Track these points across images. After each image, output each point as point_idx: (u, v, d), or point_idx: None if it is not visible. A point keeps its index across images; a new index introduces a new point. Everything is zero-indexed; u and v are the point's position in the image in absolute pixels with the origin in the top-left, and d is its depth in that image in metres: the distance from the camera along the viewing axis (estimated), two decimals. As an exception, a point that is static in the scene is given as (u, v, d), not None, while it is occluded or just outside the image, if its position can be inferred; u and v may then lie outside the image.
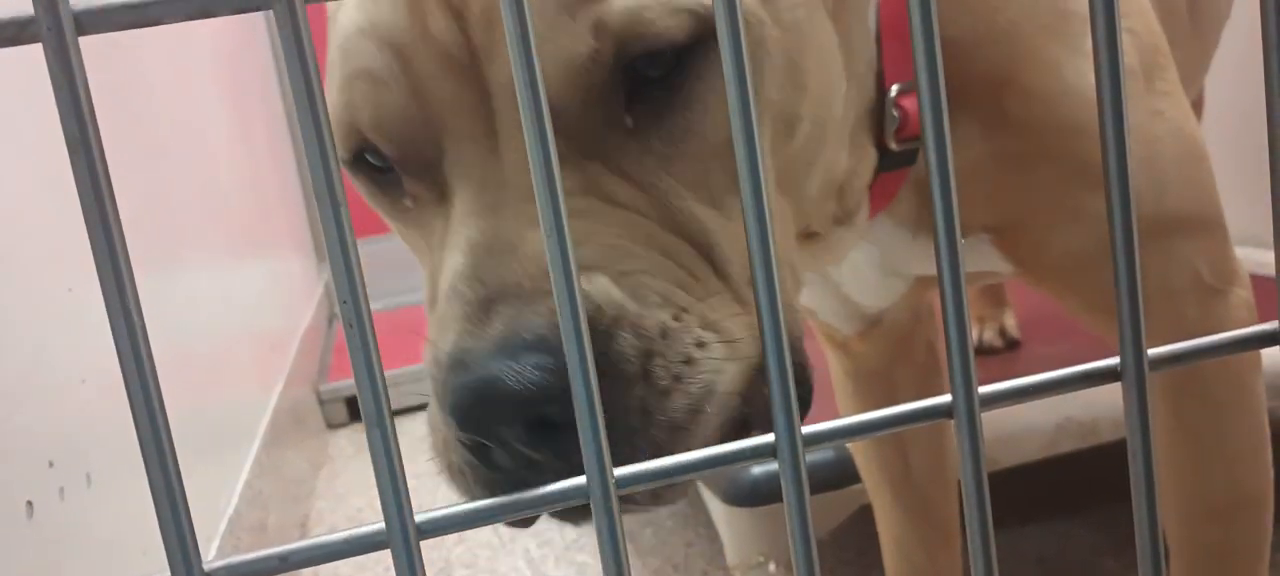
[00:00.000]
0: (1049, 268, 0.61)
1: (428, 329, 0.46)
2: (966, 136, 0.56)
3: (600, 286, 0.39)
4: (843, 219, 0.57)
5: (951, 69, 0.55)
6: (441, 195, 0.45)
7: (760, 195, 0.27)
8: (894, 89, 0.54)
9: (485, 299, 0.39)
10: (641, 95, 0.43)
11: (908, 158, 0.56)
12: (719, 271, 0.43)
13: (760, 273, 0.28)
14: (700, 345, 0.40)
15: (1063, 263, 0.60)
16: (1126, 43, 0.58)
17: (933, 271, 0.63)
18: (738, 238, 0.44)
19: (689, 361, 0.40)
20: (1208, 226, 0.60)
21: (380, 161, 0.47)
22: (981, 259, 0.63)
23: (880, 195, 0.58)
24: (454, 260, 0.41)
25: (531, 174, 0.26)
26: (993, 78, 0.56)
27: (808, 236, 0.56)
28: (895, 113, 0.54)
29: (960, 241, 0.29)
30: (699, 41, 0.42)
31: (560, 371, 0.35)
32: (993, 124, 0.56)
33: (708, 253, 0.43)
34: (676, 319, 0.40)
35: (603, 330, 0.38)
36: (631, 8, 0.40)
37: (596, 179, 0.42)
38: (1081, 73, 0.55)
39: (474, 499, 0.39)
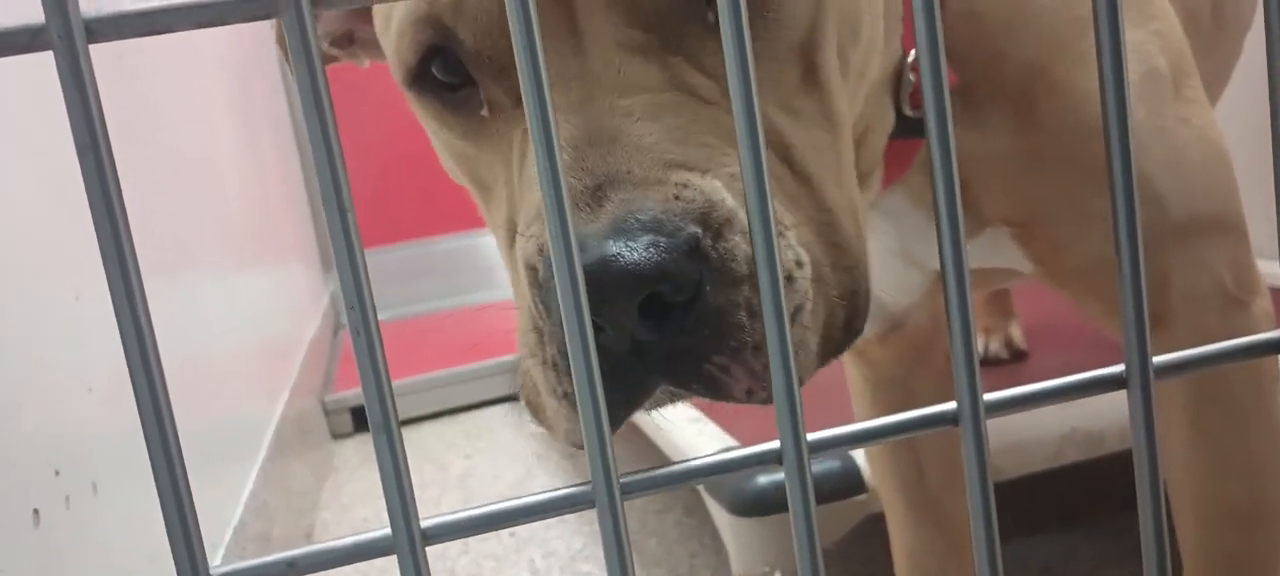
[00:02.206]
0: (1070, 270, 0.61)
1: (502, 244, 0.45)
2: (996, 127, 0.56)
3: (713, 187, 0.39)
4: (859, 178, 0.57)
5: (983, 48, 0.55)
6: (516, 98, 0.45)
7: (762, 187, 0.27)
8: (912, 54, 0.54)
9: (593, 187, 0.39)
10: None
11: (920, 127, 0.56)
12: (798, 175, 0.44)
13: (766, 276, 0.28)
14: (798, 264, 0.41)
15: (1084, 266, 0.59)
16: (1154, 44, 0.58)
17: None
18: (811, 143, 0.44)
19: (789, 278, 0.40)
20: (1232, 233, 0.60)
21: (449, 77, 0.46)
22: (1001, 253, 0.62)
23: (894, 163, 0.58)
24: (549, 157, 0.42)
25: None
26: (1024, 63, 0.55)
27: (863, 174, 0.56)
28: (912, 77, 0.54)
29: (965, 253, 0.29)
30: None
31: (675, 253, 0.36)
32: (1023, 118, 0.56)
33: (786, 156, 0.44)
34: (780, 235, 0.41)
35: (716, 228, 0.39)
36: None
37: (681, 73, 0.43)
38: None
39: (566, 395, 0.40)
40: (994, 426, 0.30)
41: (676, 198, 0.38)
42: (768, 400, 0.41)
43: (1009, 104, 0.55)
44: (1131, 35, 0.57)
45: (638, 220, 0.37)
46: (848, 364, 0.84)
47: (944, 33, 0.54)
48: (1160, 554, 0.31)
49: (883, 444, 0.84)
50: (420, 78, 0.47)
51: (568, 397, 0.41)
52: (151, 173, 1.20)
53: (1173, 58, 0.59)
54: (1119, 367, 0.30)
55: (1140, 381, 0.30)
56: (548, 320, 0.40)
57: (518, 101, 0.45)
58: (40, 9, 0.23)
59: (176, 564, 0.26)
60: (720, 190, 0.39)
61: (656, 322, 0.37)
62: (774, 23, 0.43)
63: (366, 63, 0.65)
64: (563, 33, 0.42)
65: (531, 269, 0.41)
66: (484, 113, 0.47)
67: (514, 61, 0.43)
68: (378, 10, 0.50)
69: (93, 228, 0.24)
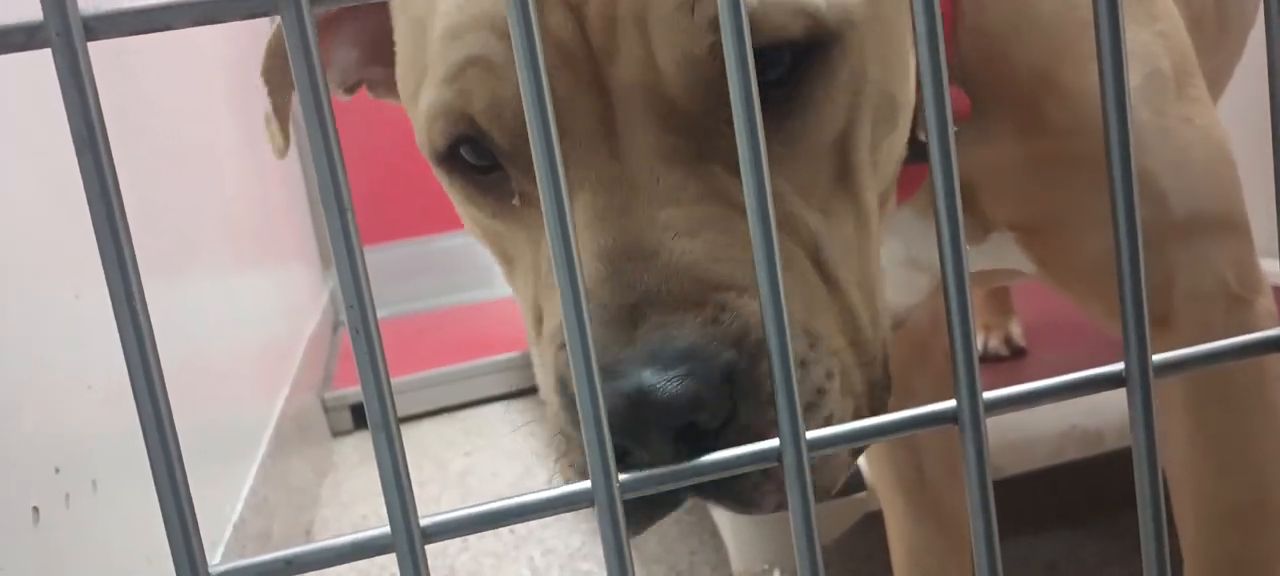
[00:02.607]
0: (1075, 271, 0.61)
1: (531, 335, 0.46)
2: (1002, 133, 0.56)
3: (751, 308, 0.39)
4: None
5: (991, 57, 0.56)
6: None
7: (764, 194, 0.27)
8: None
9: (630, 306, 0.39)
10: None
11: None
12: (828, 279, 0.44)
13: (765, 277, 0.28)
14: (829, 376, 0.41)
15: (1090, 267, 0.60)
16: (1159, 45, 0.58)
17: None
18: (843, 241, 0.45)
19: (820, 392, 0.40)
20: (1235, 232, 0.60)
21: (477, 159, 0.46)
22: (1006, 256, 0.63)
23: (905, 186, 0.58)
24: (588, 266, 0.41)
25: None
26: (1031, 70, 0.55)
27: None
28: None
29: (964, 246, 0.29)
30: (816, 44, 0.42)
31: (710, 383, 0.37)
32: (1029, 124, 0.56)
33: (817, 258, 0.44)
34: (811, 347, 0.41)
35: (750, 352, 0.39)
36: (751, 3, 0.40)
37: (719, 182, 0.42)
38: None
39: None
40: (994, 424, 0.30)
41: (714, 320, 0.38)
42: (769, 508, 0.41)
43: (1015, 110, 0.56)
44: (1136, 36, 0.58)
45: (675, 349, 0.37)
46: None
47: (954, 49, 0.55)
48: (1160, 552, 0.31)
49: (882, 442, 0.84)
50: (449, 159, 0.47)
51: None
52: (150, 170, 1.20)
53: (1176, 58, 0.59)
54: (1118, 366, 0.30)
55: (1140, 380, 0.30)
56: (576, 433, 0.40)
57: None
58: (38, 6, 0.23)
59: (175, 562, 0.26)
60: (758, 312, 0.39)
61: (689, 447, 0.37)
62: (810, 126, 0.43)
63: (347, 96, 0.66)
64: (600, 136, 0.42)
65: (562, 381, 0.41)
66: (515, 202, 0.47)
67: None
68: (402, 80, 0.50)
69: (92, 226, 0.24)
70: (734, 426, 0.38)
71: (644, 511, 0.40)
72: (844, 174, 0.45)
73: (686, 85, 0.41)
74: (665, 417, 0.36)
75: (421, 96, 0.46)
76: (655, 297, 0.39)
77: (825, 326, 0.42)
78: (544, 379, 0.44)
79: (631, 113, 0.42)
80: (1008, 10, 0.55)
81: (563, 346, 0.41)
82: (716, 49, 0.41)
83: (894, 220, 0.61)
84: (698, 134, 0.42)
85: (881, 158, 0.48)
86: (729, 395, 0.37)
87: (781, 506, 0.40)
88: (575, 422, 0.40)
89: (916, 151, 0.56)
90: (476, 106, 0.44)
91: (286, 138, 0.68)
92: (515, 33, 0.25)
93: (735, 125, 0.27)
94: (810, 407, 0.40)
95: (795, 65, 0.42)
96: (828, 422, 0.41)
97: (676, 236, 0.40)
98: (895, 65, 0.47)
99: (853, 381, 0.43)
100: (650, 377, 0.37)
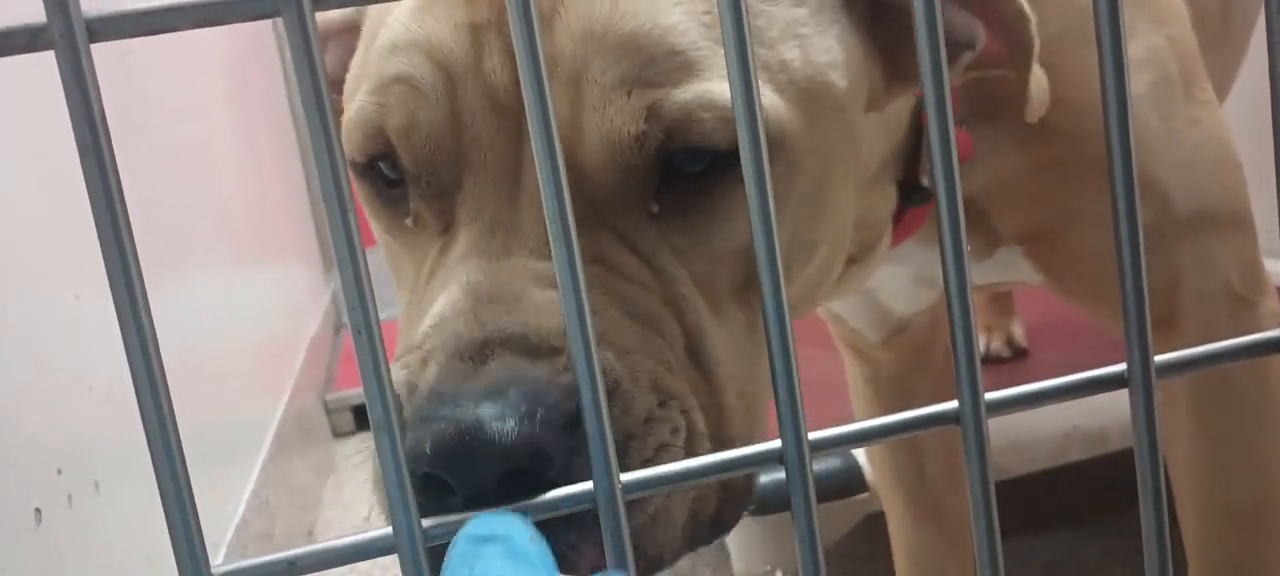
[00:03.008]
0: (1081, 278, 0.61)
1: (398, 347, 0.45)
2: (1004, 146, 0.56)
3: (605, 360, 0.39)
4: (858, 256, 0.57)
5: (989, 83, 0.56)
6: (446, 226, 0.45)
7: (764, 191, 0.27)
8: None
9: (481, 342, 0.38)
10: (671, 185, 0.43)
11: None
12: (703, 370, 0.43)
13: (768, 284, 0.28)
14: (674, 431, 0.40)
15: (1095, 273, 0.60)
16: (1166, 49, 0.58)
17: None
18: (729, 343, 0.44)
19: (662, 448, 0.40)
20: (1241, 232, 0.60)
21: (392, 173, 0.46)
22: (1013, 269, 0.63)
23: (907, 227, 0.58)
24: (451, 296, 0.41)
25: (547, 222, 0.26)
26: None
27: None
28: None
29: (965, 248, 0.29)
30: (737, 154, 0.42)
31: (551, 436, 0.35)
32: (1030, 135, 0.56)
33: (697, 347, 0.43)
34: (662, 404, 0.40)
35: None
36: (688, 104, 0.41)
37: (608, 249, 0.43)
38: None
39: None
40: (996, 425, 0.30)
41: (566, 368, 0.37)
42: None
43: (1017, 127, 0.56)
44: (1145, 42, 0.58)
45: (518, 390, 0.36)
46: (848, 363, 0.84)
47: (963, 86, 0.54)
48: (1162, 552, 0.31)
49: (883, 443, 0.84)
50: (365, 167, 0.47)
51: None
52: (152, 171, 1.20)
53: (1185, 62, 0.59)
54: (1121, 366, 0.30)
55: (1142, 380, 0.30)
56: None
57: (443, 226, 0.44)
58: (41, 9, 0.23)
59: (178, 562, 0.26)
60: (611, 364, 0.39)
61: (510, 494, 0.34)
62: (716, 230, 0.44)
63: None
64: (505, 182, 0.42)
65: (397, 397, 0.39)
66: (408, 221, 0.47)
67: (446, 192, 0.43)
68: (347, 87, 0.50)
69: (93, 227, 0.24)
70: (568, 480, 0.35)
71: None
72: (745, 286, 0.45)
73: (602, 160, 0.42)
74: (496, 458, 0.34)
75: (351, 104, 0.47)
76: (509, 340, 0.38)
77: (679, 387, 0.42)
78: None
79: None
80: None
81: (405, 366, 0.40)
82: (643, 139, 0.41)
83: (899, 252, 0.61)
84: (600, 206, 0.42)
85: (794, 284, 0.48)
86: (570, 448, 0.35)
87: (598, 569, 0.38)
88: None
89: (918, 195, 0.56)
90: (392, 123, 0.44)
91: None
92: (517, 37, 0.25)
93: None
94: (648, 464, 0.38)
95: (715, 165, 0.42)
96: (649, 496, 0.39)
97: (545, 287, 0.40)
98: (821, 204, 0.46)
99: (701, 440, 0.42)
100: (488, 412, 0.35)
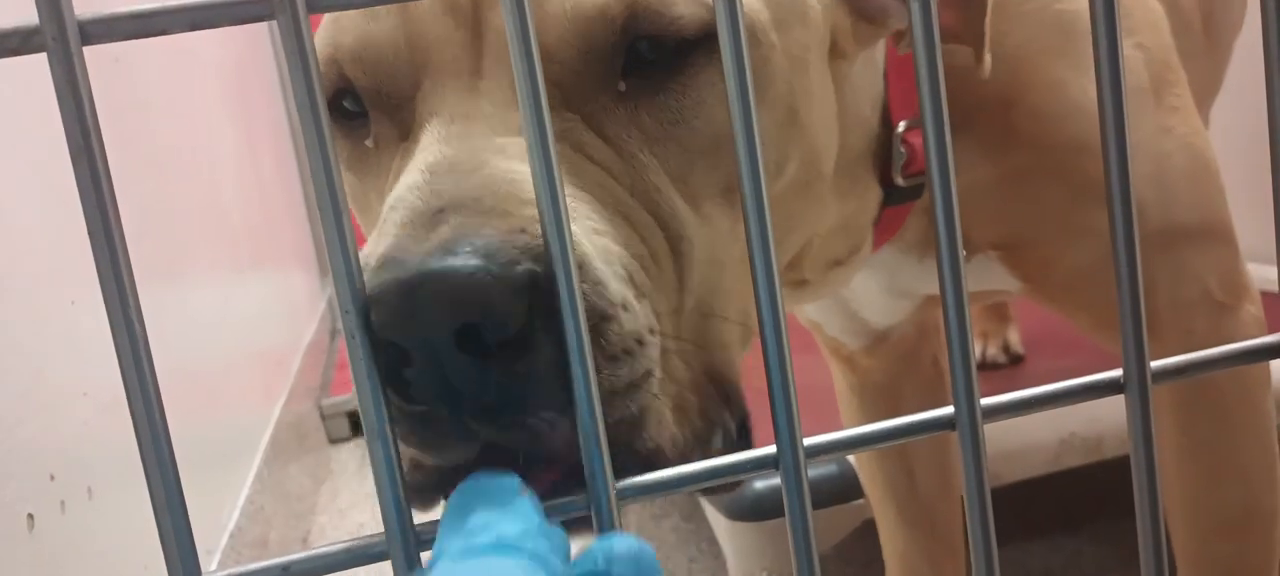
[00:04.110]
0: (1057, 284, 0.61)
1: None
2: (973, 157, 0.56)
3: (573, 232, 0.35)
4: (844, 259, 0.57)
5: (957, 92, 0.56)
6: (404, 134, 0.43)
7: (760, 195, 0.27)
8: (902, 126, 0.54)
9: (436, 209, 0.35)
10: (638, 70, 0.42)
11: (914, 192, 0.56)
12: (680, 266, 0.42)
13: (762, 277, 0.28)
14: (651, 332, 0.38)
15: (1071, 279, 0.60)
16: (1136, 59, 0.58)
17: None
18: (709, 241, 0.43)
19: (640, 342, 0.37)
20: (1217, 240, 0.60)
21: (355, 107, 0.45)
22: (990, 277, 0.63)
23: (886, 228, 0.58)
24: (408, 176, 0.38)
25: (522, 124, 0.26)
26: (998, 99, 0.56)
27: (798, 283, 0.56)
28: (903, 149, 0.54)
29: (961, 255, 0.29)
30: (707, 37, 0.42)
31: (504, 288, 0.31)
32: (997, 143, 0.56)
33: (676, 243, 0.42)
34: (637, 299, 0.38)
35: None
36: None
37: (574, 130, 0.41)
38: (1087, 91, 0.55)
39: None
40: (992, 431, 0.30)
41: (522, 230, 0.34)
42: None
43: (985, 137, 0.56)
44: None
45: (470, 244, 0.32)
46: (834, 370, 0.84)
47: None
48: (1157, 558, 0.31)
49: (873, 452, 0.84)
50: (332, 109, 0.46)
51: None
52: (149, 176, 1.20)
53: (1156, 69, 0.59)
54: (1116, 372, 0.30)
55: (1138, 386, 0.30)
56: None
57: (403, 136, 0.43)
58: (34, 10, 0.23)
59: (170, 569, 0.26)
60: (578, 237, 0.36)
61: (472, 367, 0.32)
62: (687, 111, 0.42)
63: None
64: (465, 75, 0.41)
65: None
66: (369, 142, 0.45)
67: (405, 102, 0.43)
68: (318, 37, 0.49)
69: (87, 233, 0.24)
70: (530, 352, 0.32)
71: (436, 472, 0.35)
72: (725, 188, 0.43)
73: (564, 34, 0.41)
74: (445, 309, 0.31)
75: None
76: (463, 204, 0.35)
77: (660, 300, 0.40)
78: None
79: (500, 53, 0.41)
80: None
81: (366, 261, 0.35)
82: (606, 11, 0.40)
83: (876, 259, 0.61)
84: (567, 86, 0.41)
85: (784, 198, 0.46)
86: (523, 309, 0.32)
87: (552, 491, 0.33)
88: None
89: (894, 195, 0.56)
90: (345, 44, 0.43)
91: None
92: (510, 25, 0.25)
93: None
94: (627, 354, 0.36)
95: (680, 54, 0.42)
96: (646, 378, 0.36)
97: (507, 158, 0.37)
98: (790, 120, 0.45)
99: (682, 377, 0.40)
100: (435, 264, 0.31)
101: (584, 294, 0.33)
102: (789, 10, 0.45)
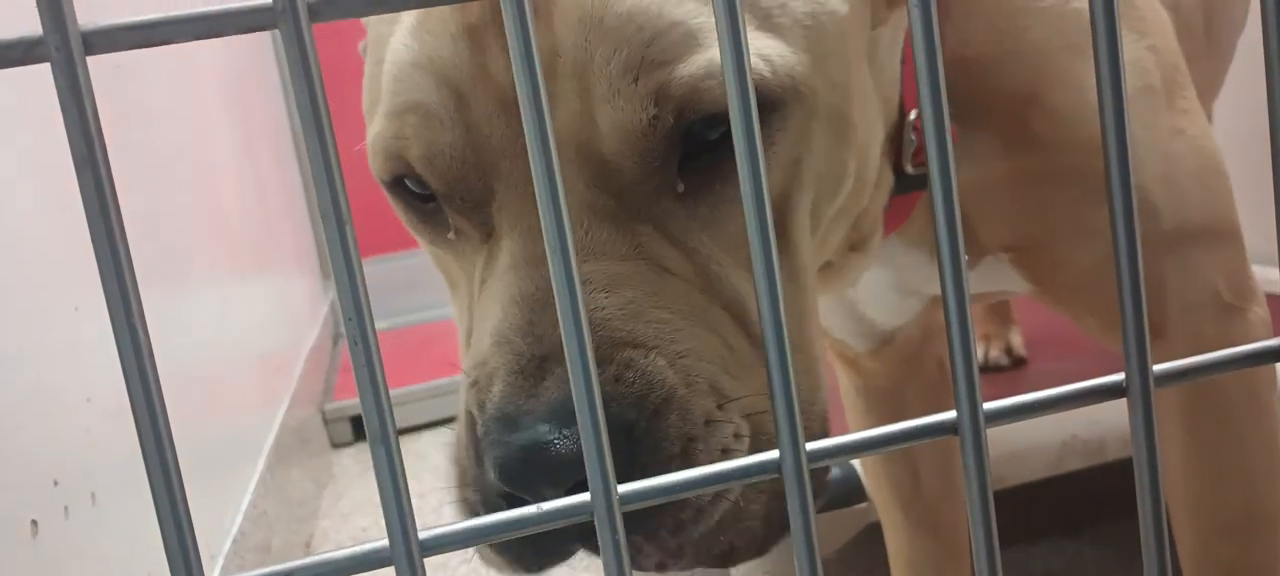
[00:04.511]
0: (1068, 287, 0.61)
1: (463, 360, 0.46)
2: (987, 153, 0.56)
3: (657, 367, 0.40)
4: (858, 244, 0.57)
5: (974, 86, 0.56)
6: (488, 234, 0.45)
7: (767, 231, 0.27)
8: (913, 113, 0.54)
9: (539, 357, 0.40)
10: (694, 161, 0.43)
11: (923, 181, 0.56)
12: (753, 339, 0.44)
13: (763, 278, 0.28)
14: (737, 437, 0.41)
15: (1082, 281, 0.60)
16: (1149, 59, 0.58)
17: None
18: None
19: (725, 451, 0.40)
20: (1227, 241, 0.60)
21: (421, 189, 0.47)
22: (1000, 279, 0.63)
23: (894, 217, 0.58)
24: (506, 310, 0.42)
25: (542, 224, 0.26)
26: (1016, 95, 0.56)
27: (822, 267, 0.56)
28: (913, 137, 0.54)
29: (964, 258, 0.29)
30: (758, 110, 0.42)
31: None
32: (1015, 141, 0.56)
33: (743, 319, 0.44)
34: (720, 407, 0.41)
35: (652, 409, 0.39)
36: (694, 77, 0.41)
37: (646, 242, 0.43)
38: None
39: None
40: (994, 434, 0.30)
41: (616, 379, 0.39)
42: (679, 566, 0.42)
43: (1001, 133, 0.56)
44: (1127, 51, 0.58)
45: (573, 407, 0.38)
46: (839, 374, 0.84)
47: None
48: (1161, 562, 0.31)
49: (878, 455, 0.84)
50: (393, 186, 0.48)
51: (489, 544, 0.42)
52: (151, 183, 1.20)
53: (1167, 71, 0.59)
54: (1119, 376, 0.30)
55: (1140, 390, 0.30)
56: (475, 470, 0.41)
57: (486, 236, 0.45)
58: (37, 21, 0.23)
59: (173, 575, 0.26)
60: (663, 370, 0.40)
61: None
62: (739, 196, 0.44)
63: None
64: (531, 183, 0.42)
65: (470, 414, 0.41)
66: (451, 236, 0.47)
67: (481, 204, 0.44)
68: (364, 98, 0.50)
69: (90, 240, 0.24)
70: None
71: (530, 563, 0.42)
72: (780, 240, 0.45)
73: (621, 149, 0.42)
74: (557, 474, 0.37)
75: (371, 126, 0.47)
76: (562, 354, 0.39)
77: (740, 388, 0.42)
78: (459, 407, 0.45)
79: (564, 166, 0.42)
80: (991, 42, 0.55)
81: (474, 383, 0.41)
82: (656, 121, 0.41)
83: (884, 250, 0.61)
84: (629, 196, 0.43)
85: (824, 223, 0.48)
86: (626, 455, 0.38)
87: (664, 566, 0.41)
88: (476, 459, 0.40)
89: (907, 182, 0.56)
90: (414, 153, 0.44)
91: None
92: (513, 45, 0.25)
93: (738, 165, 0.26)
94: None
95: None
96: (725, 490, 0.40)
97: (594, 291, 0.41)
98: (844, 133, 0.46)
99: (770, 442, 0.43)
100: (547, 435, 0.37)
101: (670, 426, 0.39)
102: (826, 34, 0.45)
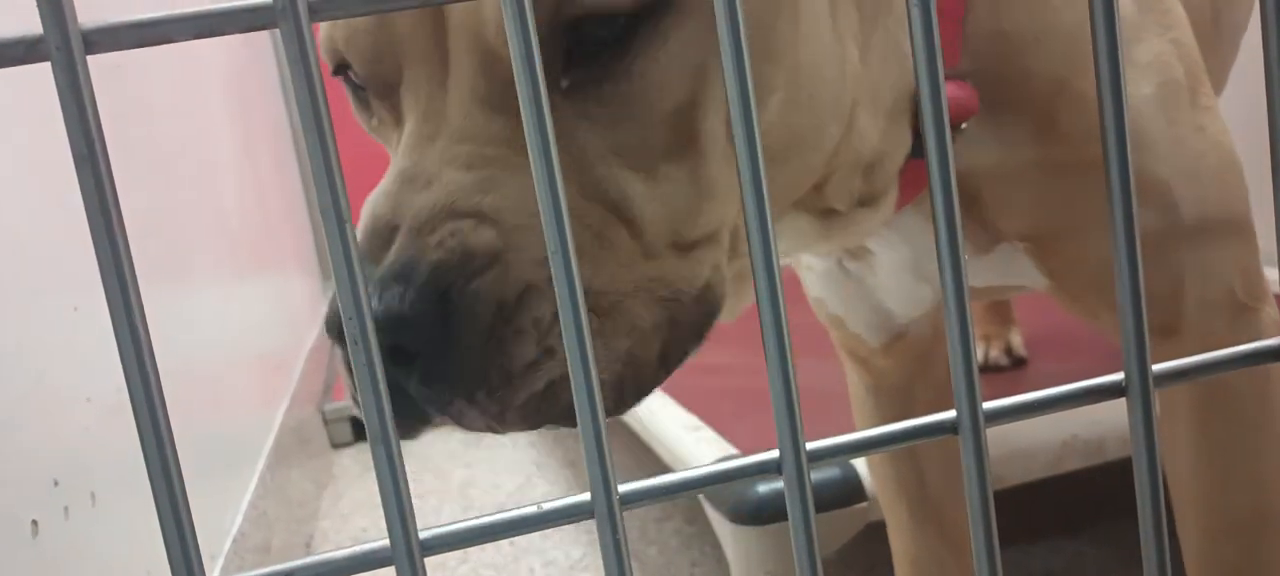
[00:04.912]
0: (1085, 283, 0.61)
1: None
2: (1015, 139, 0.56)
3: (483, 237, 0.41)
4: (868, 200, 0.56)
5: (1008, 68, 0.56)
6: (397, 120, 0.47)
7: (761, 191, 0.27)
8: None
9: (388, 227, 0.41)
10: (582, 58, 0.43)
11: None
12: (637, 237, 0.44)
13: (763, 279, 0.28)
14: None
15: (1100, 277, 0.59)
16: (1173, 54, 0.58)
17: (973, 280, 0.63)
18: (664, 200, 0.45)
19: (540, 324, 0.41)
20: (1243, 240, 0.60)
21: (358, 78, 0.49)
22: (1015, 269, 0.62)
23: (910, 184, 0.58)
24: (383, 184, 0.44)
25: (526, 133, 0.26)
26: (1050, 80, 0.55)
27: (825, 212, 0.55)
28: None
29: (963, 256, 0.29)
30: (648, 11, 0.42)
31: (415, 302, 0.39)
32: (1043, 130, 0.56)
33: (625, 215, 0.44)
34: (548, 281, 0.41)
35: (469, 274, 0.40)
36: None
37: (518, 131, 0.42)
38: (1135, 82, 0.56)
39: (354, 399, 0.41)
40: (994, 434, 0.30)
41: (438, 245, 0.40)
42: (506, 429, 0.43)
43: (1031, 118, 0.56)
44: (1151, 45, 0.58)
45: (391, 271, 0.40)
46: (848, 371, 0.84)
47: (972, 52, 0.55)
48: (1161, 562, 0.31)
49: (884, 453, 0.84)
50: (344, 79, 0.50)
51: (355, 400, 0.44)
52: (151, 182, 1.20)
53: (1189, 66, 0.59)
54: (1119, 376, 0.30)
55: (1140, 389, 0.30)
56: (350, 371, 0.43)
57: (397, 121, 0.47)
58: (37, 19, 0.23)
59: (174, 575, 0.26)
60: (490, 240, 0.41)
61: (407, 367, 0.40)
62: (636, 92, 0.43)
63: None
64: (437, 73, 0.44)
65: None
66: (375, 122, 0.50)
67: (393, 88, 0.45)
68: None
69: (91, 239, 0.24)
70: (451, 348, 0.39)
71: (404, 428, 0.42)
72: (687, 143, 0.45)
73: (501, 42, 0.42)
74: (382, 333, 0.38)
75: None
76: (409, 221, 0.41)
77: (600, 267, 0.43)
78: None
79: (459, 55, 0.43)
80: (1027, 18, 0.55)
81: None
82: (537, 10, 0.42)
83: (899, 224, 0.60)
84: (508, 86, 0.43)
85: (771, 137, 0.47)
86: (440, 318, 0.39)
87: (494, 428, 0.42)
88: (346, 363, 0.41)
89: (917, 148, 0.56)
90: (338, 34, 0.47)
91: None
92: (514, 44, 0.25)
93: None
94: (521, 335, 0.41)
95: (629, 29, 0.43)
96: (546, 356, 0.41)
97: (457, 169, 0.42)
98: (774, 41, 0.46)
99: (638, 312, 0.44)
100: (375, 299, 0.39)
101: (484, 288, 0.40)
102: None
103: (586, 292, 0.41)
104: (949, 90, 0.53)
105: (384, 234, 0.41)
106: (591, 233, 0.43)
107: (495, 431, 0.43)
